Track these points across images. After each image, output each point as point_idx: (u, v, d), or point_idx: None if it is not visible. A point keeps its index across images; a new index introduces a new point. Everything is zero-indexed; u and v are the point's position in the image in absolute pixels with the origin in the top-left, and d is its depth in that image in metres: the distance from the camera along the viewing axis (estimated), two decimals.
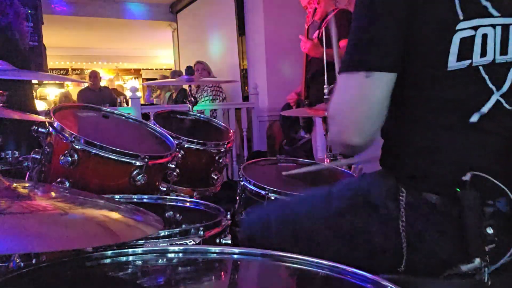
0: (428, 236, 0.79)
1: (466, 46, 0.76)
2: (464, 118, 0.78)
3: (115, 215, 0.68)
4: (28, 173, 1.41)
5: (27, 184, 0.77)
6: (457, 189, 0.75)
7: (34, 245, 0.44)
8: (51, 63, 9.20)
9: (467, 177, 0.74)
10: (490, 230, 0.73)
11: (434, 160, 0.80)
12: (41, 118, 1.35)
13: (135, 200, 1.30)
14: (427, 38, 0.76)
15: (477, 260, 0.73)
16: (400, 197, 0.81)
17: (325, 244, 0.90)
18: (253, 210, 1.15)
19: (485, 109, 0.77)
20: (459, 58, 0.76)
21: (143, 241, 0.90)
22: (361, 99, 0.79)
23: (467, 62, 0.76)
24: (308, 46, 2.77)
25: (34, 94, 5.17)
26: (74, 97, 6.54)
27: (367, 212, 0.85)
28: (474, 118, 0.77)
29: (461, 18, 0.75)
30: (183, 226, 1.08)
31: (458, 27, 0.75)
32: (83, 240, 0.50)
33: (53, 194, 0.76)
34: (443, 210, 0.78)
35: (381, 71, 0.77)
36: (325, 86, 2.22)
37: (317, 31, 2.99)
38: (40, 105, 6.49)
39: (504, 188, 0.73)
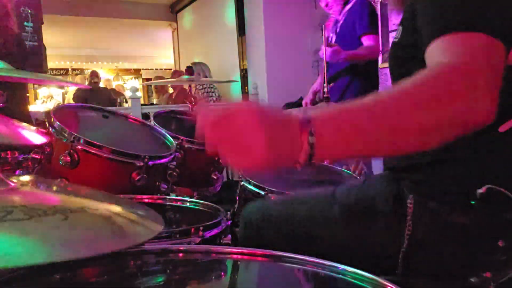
0: (435, 246, 0.76)
1: None
2: (494, 125, 0.70)
3: (119, 214, 0.67)
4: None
5: (27, 180, 0.76)
6: (471, 201, 0.71)
7: (36, 256, 0.44)
8: (51, 63, 9.19)
9: (482, 190, 0.70)
10: (501, 243, 0.71)
11: (450, 171, 0.76)
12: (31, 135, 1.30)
13: (135, 200, 1.30)
14: None
15: (488, 273, 0.71)
16: (408, 205, 0.77)
17: (325, 247, 0.88)
18: (255, 202, 1.13)
19: None
20: None
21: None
22: None
23: None
24: (329, 53, 2.54)
25: (35, 94, 5.17)
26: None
27: (370, 218, 0.82)
28: (506, 126, 0.72)
29: None
30: (183, 226, 1.08)
31: None
32: (87, 247, 0.49)
33: (54, 192, 0.76)
34: (453, 221, 0.74)
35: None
36: (324, 85, 2.23)
37: (336, 25, 2.80)
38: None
39: None
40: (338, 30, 2.76)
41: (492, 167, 0.74)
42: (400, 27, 0.83)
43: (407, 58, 0.79)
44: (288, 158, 0.57)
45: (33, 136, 1.10)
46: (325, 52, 2.43)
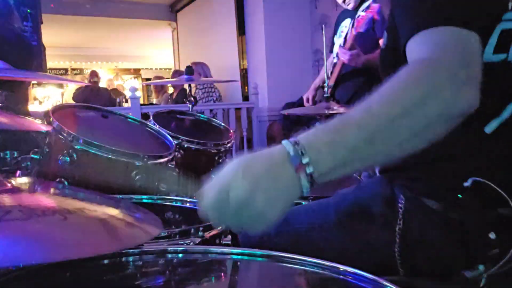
0: (429, 242, 0.78)
1: (505, 39, 0.72)
2: (480, 125, 0.74)
3: (116, 217, 0.67)
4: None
5: (26, 182, 0.76)
6: (458, 195, 0.73)
7: (35, 256, 0.44)
8: (50, 62, 9.19)
9: (468, 183, 0.72)
10: (492, 235, 0.72)
11: (438, 167, 0.77)
12: (38, 124, 1.32)
13: (134, 200, 1.29)
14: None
15: (481, 267, 0.72)
16: (399, 204, 0.79)
17: (323, 255, 0.89)
18: None
19: (506, 114, 0.73)
20: (496, 51, 0.72)
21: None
22: None
23: (503, 56, 0.72)
24: (348, 57, 2.51)
25: (31, 95, 5.16)
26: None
27: (366, 222, 0.84)
28: (492, 126, 0.74)
29: (510, 8, 0.71)
30: (183, 226, 1.08)
31: (504, 17, 0.71)
32: (85, 248, 0.49)
33: (53, 193, 0.76)
34: (444, 216, 0.76)
35: None
36: (325, 84, 2.22)
37: (352, 21, 2.63)
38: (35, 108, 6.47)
39: (505, 195, 0.71)
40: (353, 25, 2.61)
41: (480, 165, 0.76)
42: (386, 33, 0.85)
43: (393, 62, 0.81)
44: (292, 197, 0.59)
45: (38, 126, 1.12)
46: (339, 52, 2.37)
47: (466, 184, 0.72)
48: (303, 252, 0.91)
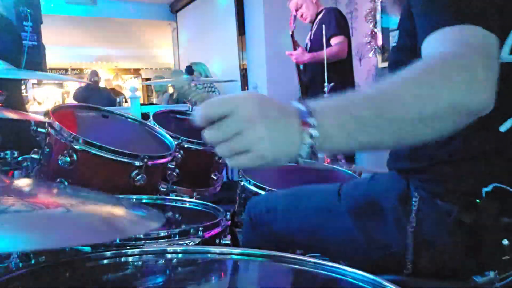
0: (439, 244, 0.77)
1: None
2: (495, 124, 0.74)
3: (118, 210, 0.67)
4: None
5: (28, 182, 0.76)
6: (477, 200, 0.72)
7: (38, 243, 0.44)
8: (50, 62, 9.18)
9: (488, 188, 0.71)
10: (505, 242, 0.71)
11: (454, 169, 0.77)
12: (40, 118, 1.35)
13: (134, 200, 1.30)
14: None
15: (492, 273, 0.72)
16: (413, 203, 0.79)
17: (330, 241, 0.89)
18: (259, 196, 1.13)
19: None
20: None
21: (142, 241, 0.90)
22: None
23: None
24: (295, 56, 2.92)
25: (31, 96, 5.15)
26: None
27: (376, 214, 0.83)
28: (507, 125, 0.73)
29: None
30: (183, 226, 1.08)
31: None
32: (87, 236, 0.49)
33: (55, 191, 0.76)
34: (459, 219, 0.75)
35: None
36: (325, 84, 2.23)
37: (310, 32, 3.11)
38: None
39: None
40: (312, 37, 3.04)
41: (497, 166, 0.75)
42: (397, 31, 0.84)
43: (405, 61, 0.80)
44: (290, 153, 0.55)
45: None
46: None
47: (486, 189, 0.71)
48: (309, 232, 0.91)
